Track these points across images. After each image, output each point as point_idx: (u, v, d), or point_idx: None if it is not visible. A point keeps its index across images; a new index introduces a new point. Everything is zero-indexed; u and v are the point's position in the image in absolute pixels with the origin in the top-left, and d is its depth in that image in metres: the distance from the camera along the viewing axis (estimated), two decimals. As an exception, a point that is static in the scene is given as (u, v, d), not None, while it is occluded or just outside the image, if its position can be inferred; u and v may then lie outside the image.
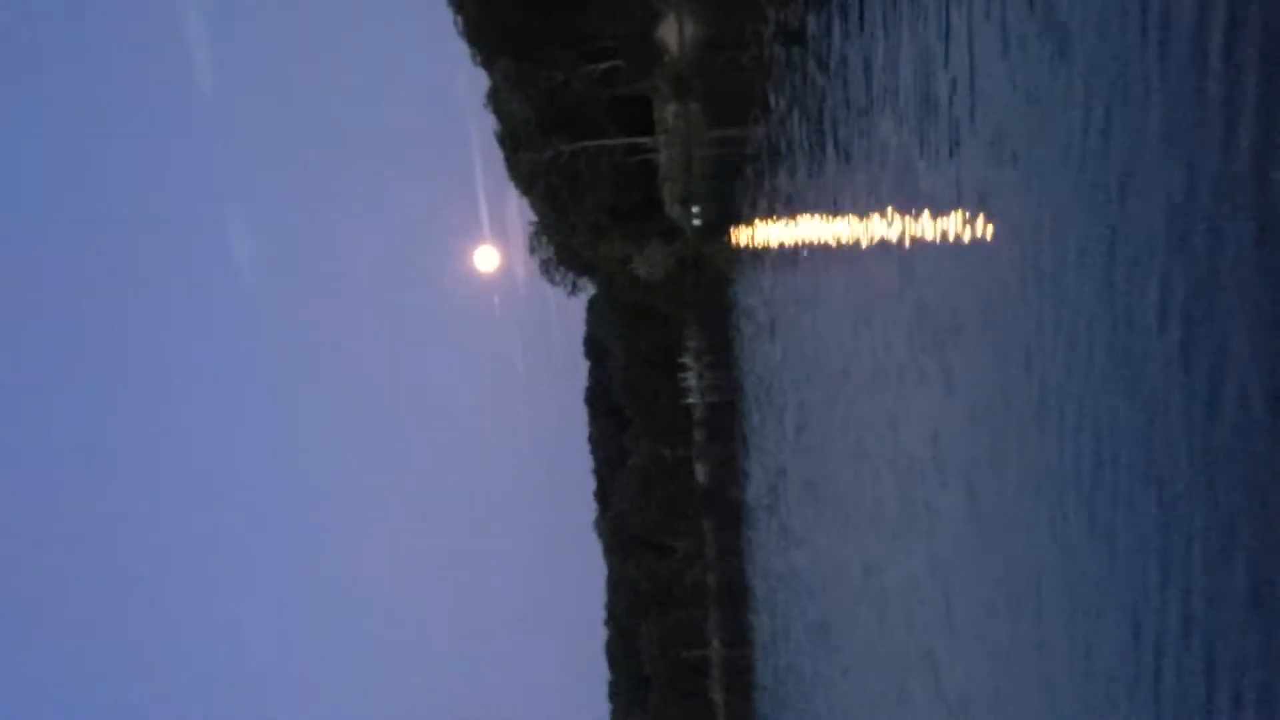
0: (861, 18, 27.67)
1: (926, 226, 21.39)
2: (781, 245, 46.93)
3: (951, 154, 19.77)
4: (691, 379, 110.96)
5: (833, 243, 33.14)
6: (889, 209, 25.01)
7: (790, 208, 43.75)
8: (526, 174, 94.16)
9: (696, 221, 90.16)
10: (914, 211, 22.61)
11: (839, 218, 32.09)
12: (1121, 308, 11.71)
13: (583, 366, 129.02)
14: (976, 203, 18.40)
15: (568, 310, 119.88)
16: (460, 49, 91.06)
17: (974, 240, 18.26)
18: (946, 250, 19.49)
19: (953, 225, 19.56)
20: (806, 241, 39.00)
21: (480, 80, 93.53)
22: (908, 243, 23.05)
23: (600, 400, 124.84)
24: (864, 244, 28.02)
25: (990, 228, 17.73)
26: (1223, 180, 9.66)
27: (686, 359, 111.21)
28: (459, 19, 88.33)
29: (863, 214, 28.14)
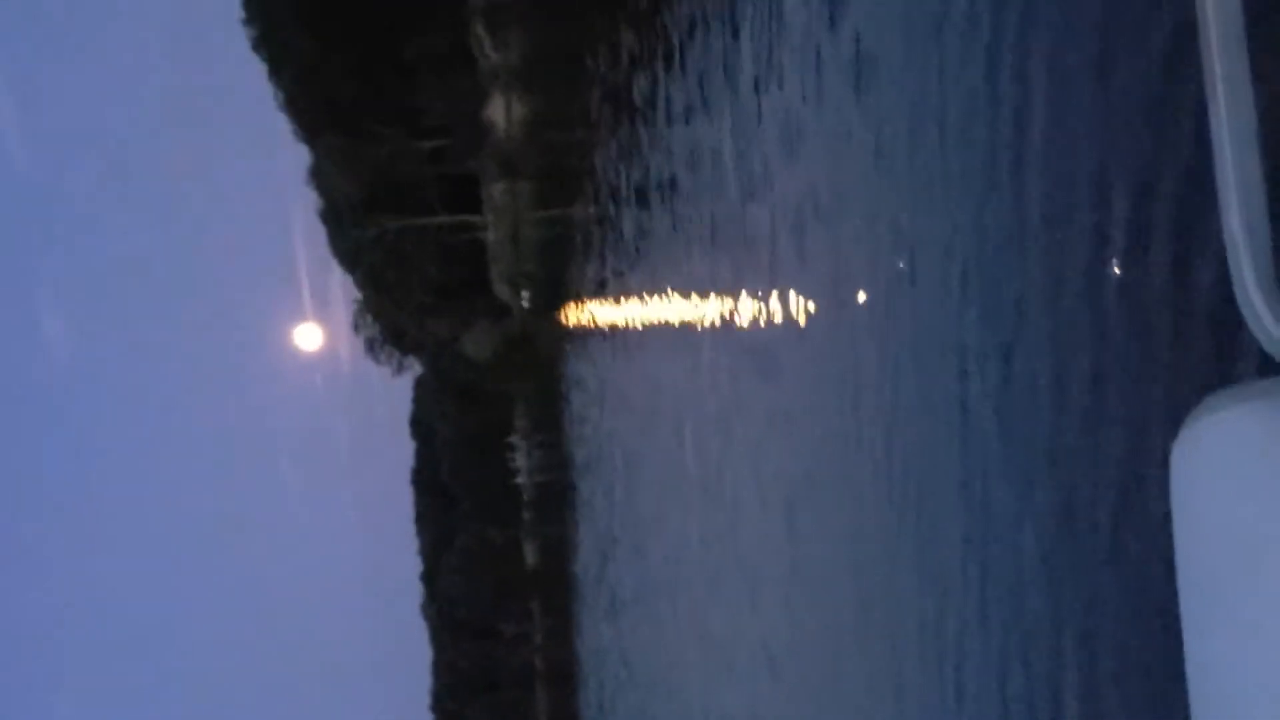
0: (699, 89, 28.01)
1: (755, 303, 21.63)
2: (613, 324, 47.08)
3: (776, 225, 20.09)
4: (520, 458, 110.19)
5: (664, 319, 33.33)
6: (719, 285, 25.25)
7: (622, 286, 43.96)
8: (350, 251, 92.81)
9: (525, 301, 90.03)
10: (741, 288, 22.85)
11: (669, 294, 32.31)
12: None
13: (409, 447, 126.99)
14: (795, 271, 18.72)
15: (394, 390, 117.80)
16: (279, 123, 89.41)
17: (799, 316, 18.48)
18: (802, 332, 19.61)
19: (775, 301, 19.85)
20: (638, 319, 39.17)
21: (302, 155, 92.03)
22: (735, 316, 23.29)
23: (427, 481, 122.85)
24: (693, 320, 28.21)
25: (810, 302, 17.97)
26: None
27: (515, 439, 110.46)
28: (279, 92, 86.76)
29: (695, 289, 28.35)
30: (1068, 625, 8.99)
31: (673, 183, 31.68)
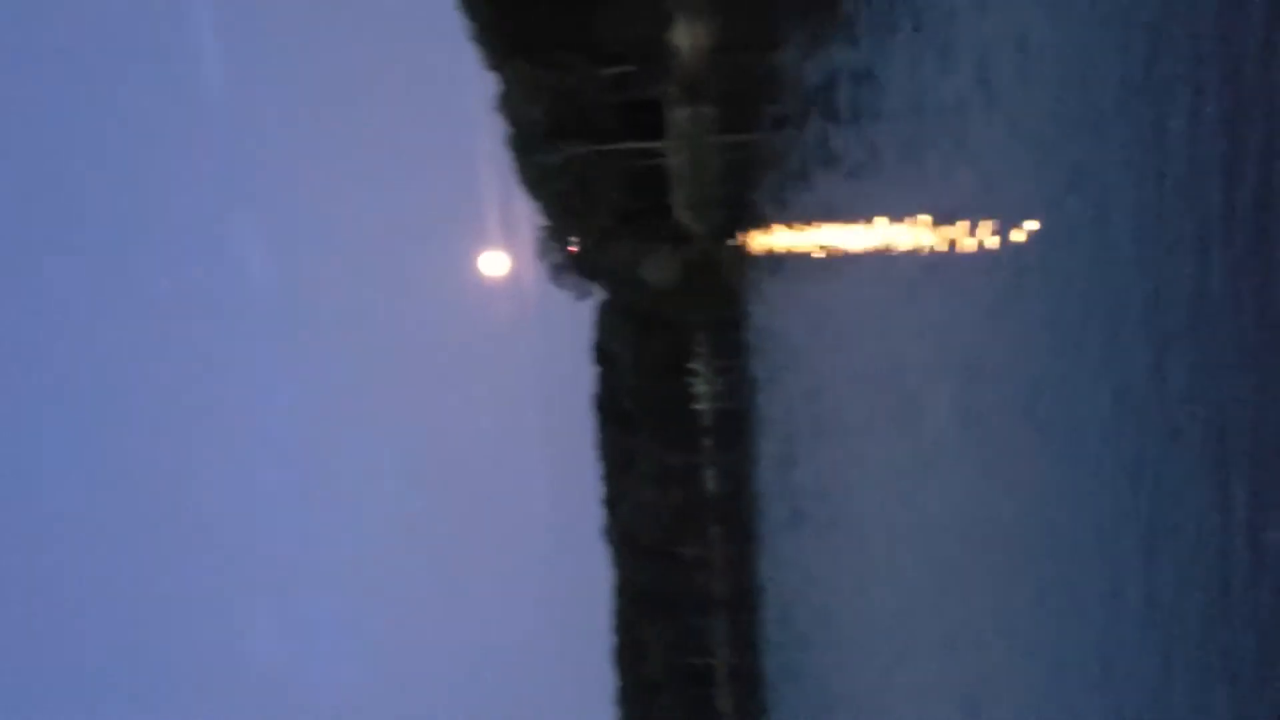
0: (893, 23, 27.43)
1: (959, 234, 21.12)
2: (798, 251, 46.67)
3: (983, 162, 19.53)
4: (701, 385, 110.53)
5: (856, 249, 32.87)
6: (920, 216, 24.76)
7: (808, 213, 43.49)
8: (535, 178, 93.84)
9: (707, 226, 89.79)
10: (948, 219, 22.34)
11: (862, 224, 31.83)
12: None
13: (591, 372, 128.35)
14: (1010, 207, 18.15)
15: (577, 315, 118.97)
16: (469, 52, 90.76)
17: (1006, 249, 18.00)
18: (976, 260, 19.25)
19: (986, 233, 19.29)
20: (827, 248, 38.73)
21: (489, 83, 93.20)
22: (937, 250, 22.77)
23: (608, 406, 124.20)
24: (891, 251, 27.74)
25: (1021, 233, 17.46)
26: None
27: (696, 365, 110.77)
28: (470, 23, 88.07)
29: (893, 219, 27.88)
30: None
31: (862, 107, 31.07)
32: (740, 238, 77.56)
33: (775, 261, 59.87)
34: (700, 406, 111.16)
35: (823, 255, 38.22)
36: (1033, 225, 15.07)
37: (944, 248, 20.23)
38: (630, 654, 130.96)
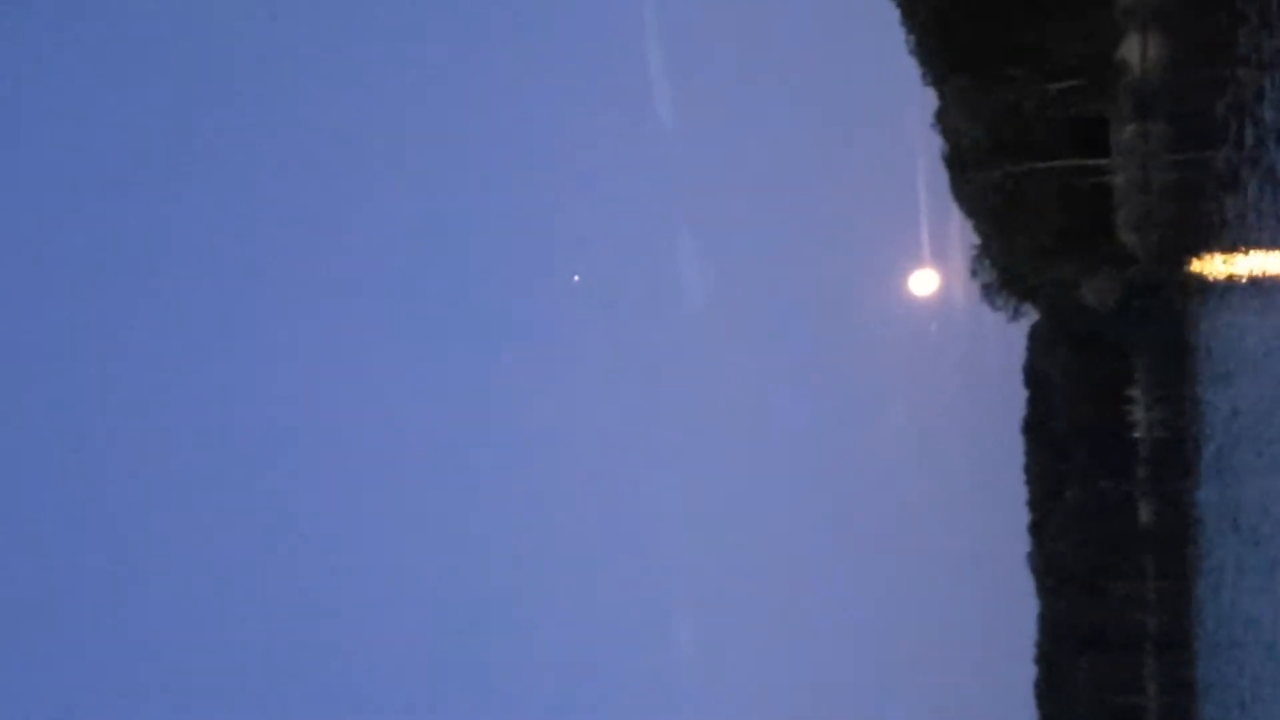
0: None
1: None
2: (1244, 275, 44.71)
3: None
4: (1139, 412, 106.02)
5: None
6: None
7: (1255, 237, 41.71)
8: (972, 195, 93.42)
9: (1151, 247, 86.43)
10: None
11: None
12: None
13: (1021, 395, 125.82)
14: None
15: (1007, 336, 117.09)
16: (908, 67, 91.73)
17: None
18: None
19: None
20: (1273, 274, 37.12)
21: (928, 99, 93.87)
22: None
23: (1039, 430, 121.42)
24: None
25: None
26: None
27: (1134, 391, 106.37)
28: (911, 37, 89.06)
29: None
30: None
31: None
32: (1185, 260, 74.31)
33: (1220, 286, 57.26)
34: (1137, 435, 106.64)
35: (1271, 280, 36.75)
36: None
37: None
38: (1053, 687, 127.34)
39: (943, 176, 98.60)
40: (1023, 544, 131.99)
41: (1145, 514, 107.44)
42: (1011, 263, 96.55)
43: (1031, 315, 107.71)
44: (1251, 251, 45.06)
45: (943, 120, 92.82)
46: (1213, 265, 62.41)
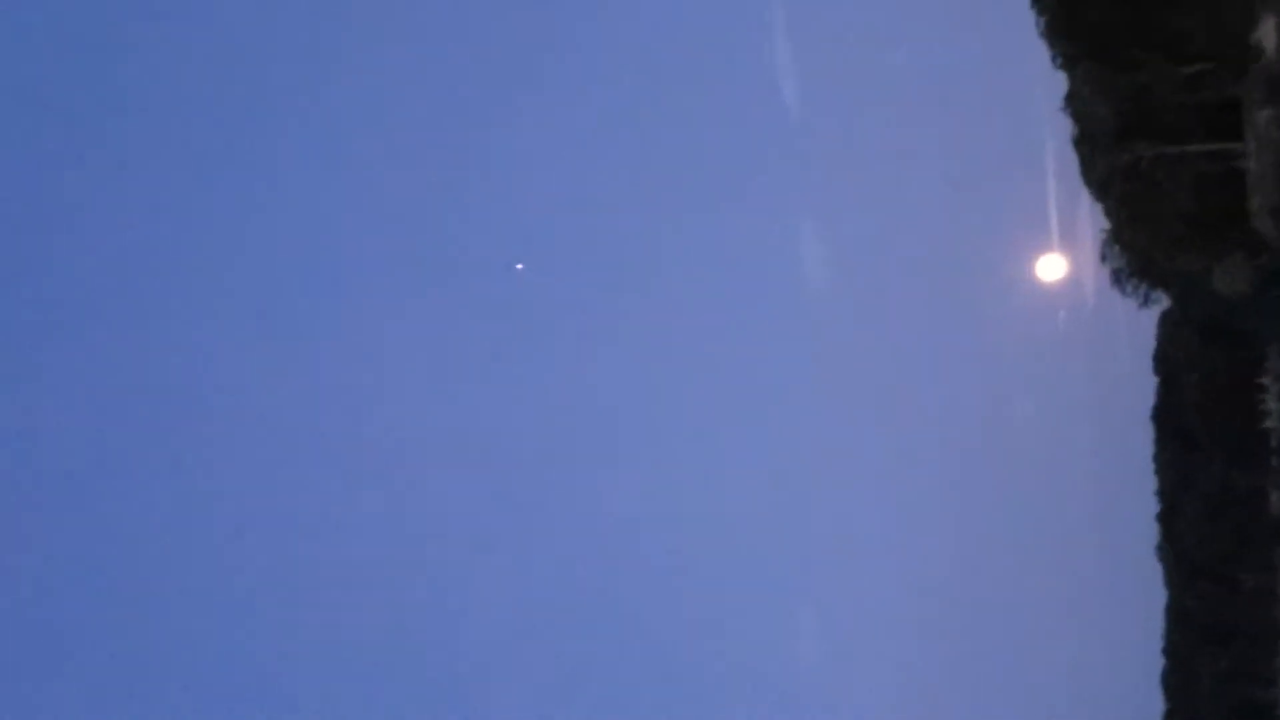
0: None
1: None
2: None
3: None
4: (1271, 402, 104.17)
5: None
6: None
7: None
8: (1102, 179, 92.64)
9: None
10: None
11: None
12: None
13: (1151, 383, 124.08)
14: None
15: (1137, 324, 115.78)
16: (1038, 51, 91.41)
17: None
18: None
19: None
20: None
21: (1057, 82, 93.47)
22: None
23: (1168, 420, 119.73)
24: None
25: None
26: None
27: (1266, 380, 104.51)
28: (1041, 20, 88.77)
29: None
30: None
31: None
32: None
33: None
34: (1269, 425, 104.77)
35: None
36: None
37: None
38: (1180, 680, 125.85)
39: (1072, 160, 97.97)
40: (1152, 534, 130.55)
41: (1276, 505, 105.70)
42: (1142, 248, 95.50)
43: (1162, 302, 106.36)
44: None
45: (1072, 103, 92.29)
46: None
